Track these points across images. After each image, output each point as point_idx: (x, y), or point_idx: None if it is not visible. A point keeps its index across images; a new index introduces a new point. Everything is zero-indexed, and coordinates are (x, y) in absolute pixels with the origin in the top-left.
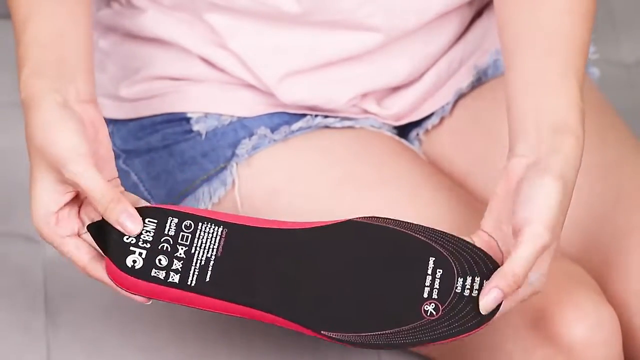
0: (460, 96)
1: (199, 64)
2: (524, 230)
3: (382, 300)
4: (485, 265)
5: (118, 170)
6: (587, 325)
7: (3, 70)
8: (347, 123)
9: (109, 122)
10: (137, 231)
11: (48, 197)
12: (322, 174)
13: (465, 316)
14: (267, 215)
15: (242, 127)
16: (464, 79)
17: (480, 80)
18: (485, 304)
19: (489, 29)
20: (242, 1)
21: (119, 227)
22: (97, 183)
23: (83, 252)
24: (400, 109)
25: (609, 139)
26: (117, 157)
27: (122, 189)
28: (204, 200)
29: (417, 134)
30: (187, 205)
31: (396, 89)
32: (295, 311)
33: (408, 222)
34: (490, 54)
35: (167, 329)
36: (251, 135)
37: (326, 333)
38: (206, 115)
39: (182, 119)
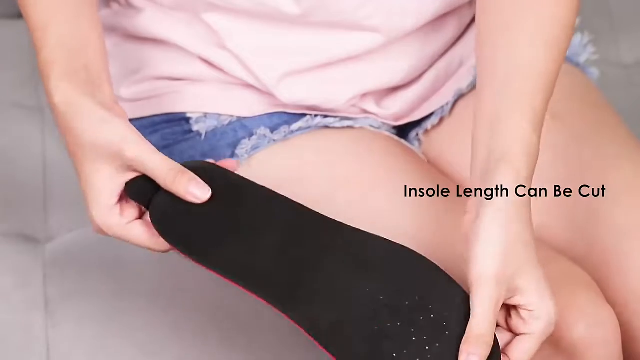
0: (460, 96)
1: (198, 64)
2: (474, 289)
3: None
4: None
5: None
6: (586, 325)
7: (3, 70)
8: (346, 123)
9: None
10: (206, 197)
11: (108, 192)
12: (322, 174)
13: None
14: None
15: (241, 127)
16: (463, 79)
17: None
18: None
19: None
20: (241, 1)
21: (188, 197)
22: (158, 159)
23: (147, 233)
24: (399, 109)
25: (608, 138)
26: None
27: None
28: None
29: (417, 134)
30: None
31: (395, 89)
32: None
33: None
34: None
35: (167, 328)
36: (251, 135)
37: None
38: (206, 115)
39: (181, 119)
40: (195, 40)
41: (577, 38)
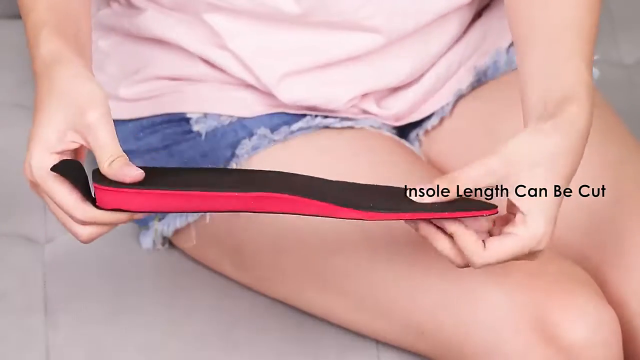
0: (460, 97)
1: (198, 64)
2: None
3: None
4: None
5: None
6: (586, 326)
7: (3, 70)
8: (346, 123)
9: None
10: (140, 176)
11: (55, 138)
12: (322, 174)
13: None
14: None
15: (242, 128)
16: (463, 80)
17: (479, 81)
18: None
19: (489, 30)
20: (241, 2)
21: (123, 178)
22: (109, 135)
23: (75, 194)
24: (399, 109)
25: (609, 139)
26: None
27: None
28: None
29: (417, 135)
30: None
31: (396, 89)
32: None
33: None
34: (489, 55)
35: (167, 328)
36: (251, 135)
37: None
38: (206, 115)
39: (181, 119)
40: (195, 41)
41: None
